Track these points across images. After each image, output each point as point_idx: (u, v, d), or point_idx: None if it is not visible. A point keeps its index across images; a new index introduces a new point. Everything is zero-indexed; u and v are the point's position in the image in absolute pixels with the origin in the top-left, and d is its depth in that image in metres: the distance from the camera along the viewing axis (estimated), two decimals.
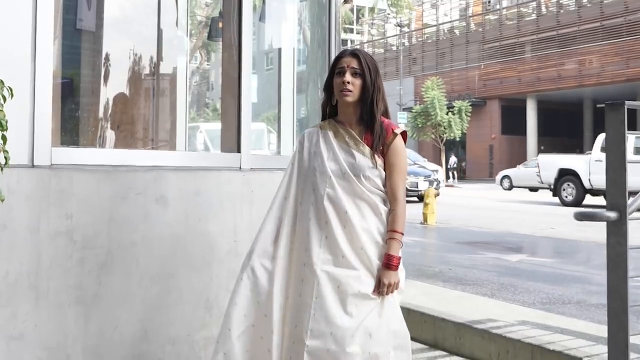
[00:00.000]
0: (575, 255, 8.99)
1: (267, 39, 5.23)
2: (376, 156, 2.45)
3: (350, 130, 2.50)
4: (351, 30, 55.63)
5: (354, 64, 2.49)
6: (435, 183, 18.69)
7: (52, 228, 3.01)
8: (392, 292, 2.34)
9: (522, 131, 37.81)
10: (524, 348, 3.46)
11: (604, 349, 3.18)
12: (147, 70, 3.97)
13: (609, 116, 2.51)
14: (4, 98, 2.42)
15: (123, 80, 3.82)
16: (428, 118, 36.02)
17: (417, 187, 18.28)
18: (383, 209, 2.44)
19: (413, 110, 37.00)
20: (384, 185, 2.47)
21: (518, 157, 37.58)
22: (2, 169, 2.46)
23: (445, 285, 6.05)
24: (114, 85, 3.74)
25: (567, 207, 16.26)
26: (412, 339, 3.73)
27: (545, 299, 5.52)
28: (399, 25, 42.96)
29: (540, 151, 37.76)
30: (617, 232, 2.49)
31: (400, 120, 36.93)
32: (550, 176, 18.05)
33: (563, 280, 6.63)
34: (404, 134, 2.52)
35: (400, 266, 2.40)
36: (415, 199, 17.68)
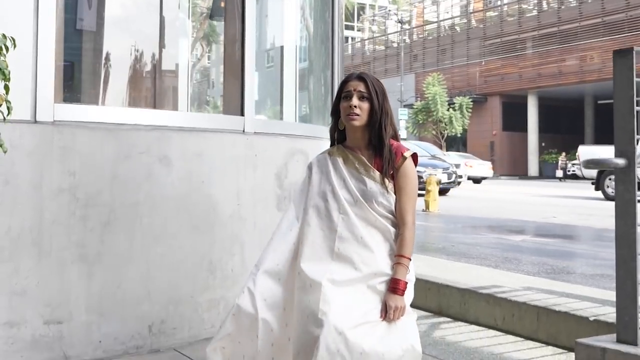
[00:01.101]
0: (579, 237, 8.96)
1: (269, 36, 5.19)
2: (386, 180, 2.41)
3: (359, 157, 2.45)
4: (352, 28, 55.61)
5: (361, 87, 2.46)
6: (454, 176, 18.13)
7: (55, 184, 2.99)
8: (399, 316, 2.26)
9: (523, 127, 37.75)
10: (529, 310, 3.43)
11: (610, 309, 3.15)
12: (149, 36, 3.95)
13: (617, 62, 2.49)
14: (7, 48, 2.40)
15: (127, 44, 3.80)
16: (429, 114, 36.00)
17: None
18: (395, 234, 2.40)
19: (414, 107, 36.96)
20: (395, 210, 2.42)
21: (519, 153, 37.55)
22: (4, 119, 2.44)
23: (449, 258, 6.01)
24: (118, 44, 3.72)
25: (611, 201, 15.85)
26: (417, 307, 3.73)
27: (549, 270, 5.49)
28: (400, 22, 42.92)
29: (541, 148, 37.80)
30: (625, 179, 2.47)
31: (401, 117, 36.91)
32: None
33: (567, 256, 6.60)
34: (414, 157, 2.48)
35: (408, 289, 2.35)
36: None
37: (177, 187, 3.31)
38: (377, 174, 2.42)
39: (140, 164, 3.21)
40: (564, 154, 32.61)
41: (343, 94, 2.50)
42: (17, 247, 2.91)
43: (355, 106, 2.43)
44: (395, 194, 2.42)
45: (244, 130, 3.62)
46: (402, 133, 36.19)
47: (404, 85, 39.90)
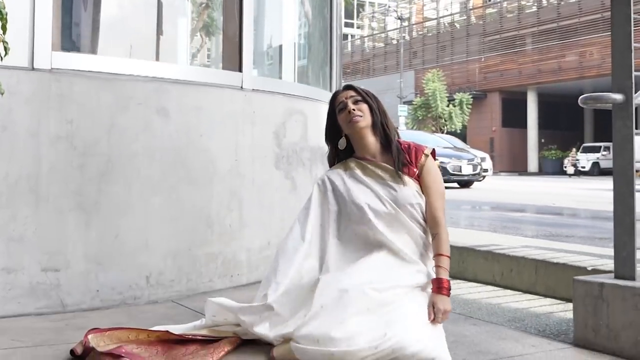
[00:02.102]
0: (578, 215, 8.97)
1: (267, 34, 5.15)
2: (413, 181, 2.37)
3: (380, 164, 2.41)
4: (351, 25, 55.63)
5: (351, 93, 2.46)
6: (479, 168, 17.08)
7: (53, 132, 2.98)
8: (446, 318, 2.21)
9: (522, 124, 37.75)
10: (527, 265, 3.43)
11: (609, 261, 3.15)
12: None
13: None
14: None
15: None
16: (428, 110, 36.01)
17: (461, 171, 16.57)
18: (423, 238, 2.37)
19: (413, 103, 36.96)
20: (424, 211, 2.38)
21: (518, 150, 37.55)
22: (2, 58, 2.43)
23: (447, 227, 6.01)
24: None
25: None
26: None
27: (548, 234, 5.49)
28: (399, 19, 42.95)
29: (540, 144, 37.78)
30: (623, 115, 2.46)
31: (401, 113, 36.91)
32: None
33: (567, 226, 6.61)
34: (433, 153, 2.45)
35: (422, 270, 2.32)
36: (456, 185, 15.66)
37: (175, 140, 3.30)
38: (408, 180, 2.37)
39: (138, 114, 3.20)
40: (574, 149, 32.22)
41: (337, 109, 2.46)
42: (15, 194, 2.90)
43: (353, 109, 2.40)
44: (423, 195, 2.37)
45: (242, 87, 3.61)
46: (402, 129, 36.20)
47: (404, 82, 39.90)
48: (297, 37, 4.67)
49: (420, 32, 45.29)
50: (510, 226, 6.40)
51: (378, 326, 2.04)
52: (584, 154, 32.23)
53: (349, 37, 52.86)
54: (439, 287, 2.24)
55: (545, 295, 3.32)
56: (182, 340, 2.34)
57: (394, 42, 46.20)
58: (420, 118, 36.66)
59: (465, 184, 16.65)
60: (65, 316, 2.90)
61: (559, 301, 3.22)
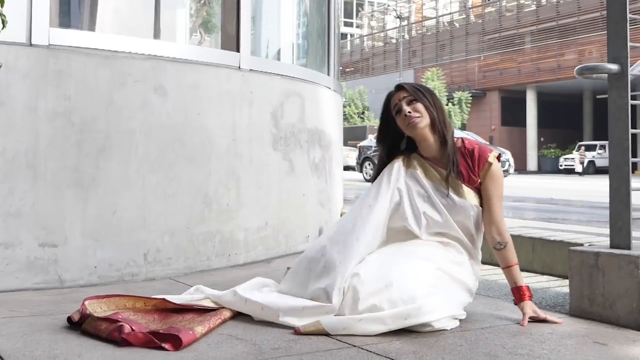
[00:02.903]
0: (577, 205, 8.98)
1: (265, 15, 5.16)
2: (472, 191, 2.35)
3: (442, 171, 2.37)
4: (351, 24, 55.64)
5: (403, 94, 2.39)
6: (507, 164, 17.13)
7: (50, 108, 2.99)
8: (545, 317, 2.29)
9: (522, 122, 37.75)
10: (524, 243, 3.44)
11: (606, 239, 3.15)
12: None
13: None
14: None
15: None
16: None
17: None
18: (471, 243, 2.40)
19: None
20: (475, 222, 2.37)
21: (518, 148, 37.56)
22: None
23: None
24: None
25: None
26: None
27: (545, 218, 5.51)
28: (398, 18, 42.98)
29: (539, 143, 37.78)
30: (618, 85, 2.47)
31: None
32: None
33: (565, 212, 6.60)
34: (497, 157, 2.41)
35: (470, 275, 2.37)
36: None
37: (173, 117, 3.31)
38: (468, 191, 2.35)
39: (136, 92, 3.21)
40: (582, 147, 31.81)
41: (394, 112, 2.41)
42: (13, 169, 2.91)
43: (409, 111, 2.34)
44: (480, 204, 2.35)
45: (239, 67, 3.62)
46: None
47: (403, 81, 39.84)
48: (296, 19, 4.67)
49: (419, 31, 45.31)
50: (509, 212, 6.42)
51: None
52: (578, 153, 32.08)
53: (348, 36, 52.88)
54: (521, 294, 2.32)
55: (542, 273, 3.33)
56: (180, 310, 2.34)
57: (393, 41, 46.22)
58: None
59: None
60: (62, 291, 2.91)
61: (555, 278, 3.23)
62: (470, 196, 2.35)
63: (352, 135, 33.98)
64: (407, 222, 2.37)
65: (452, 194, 2.35)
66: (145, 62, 3.24)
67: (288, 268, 2.48)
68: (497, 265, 3.57)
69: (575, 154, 30.86)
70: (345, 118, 40.92)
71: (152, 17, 3.45)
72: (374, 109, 43.41)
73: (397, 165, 2.45)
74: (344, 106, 40.93)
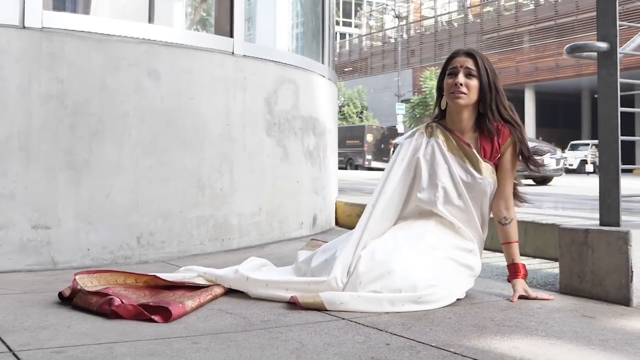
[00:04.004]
0: (572, 196, 8.98)
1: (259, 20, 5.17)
2: (491, 167, 2.34)
3: (465, 148, 2.34)
4: (349, 24, 55.66)
5: (469, 64, 2.30)
6: (561, 162, 14.97)
7: (43, 90, 3.00)
8: (536, 296, 2.31)
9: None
10: (517, 227, 3.43)
11: (597, 222, 3.16)
12: None
13: None
14: None
15: None
16: (426, 108, 36.04)
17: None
18: (484, 216, 2.41)
19: (411, 101, 37.03)
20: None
21: None
22: None
23: None
24: None
25: None
26: None
27: (539, 206, 5.50)
28: (397, 17, 43.02)
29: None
30: (607, 63, 2.48)
31: (399, 111, 36.98)
32: None
33: (560, 202, 6.57)
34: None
35: (477, 261, 2.39)
36: (530, 181, 13.35)
37: (166, 102, 3.32)
38: (486, 167, 2.32)
39: (129, 76, 3.22)
40: (594, 147, 31.41)
41: (448, 70, 2.34)
42: (6, 151, 2.92)
43: (461, 84, 2.28)
44: (497, 180, 2.34)
45: (233, 52, 3.63)
46: (399, 127, 36.28)
47: (402, 80, 39.96)
48: (290, 7, 4.68)
49: (418, 31, 45.37)
50: None
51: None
52: (571, 152, 31.82)
53: (347, 35, 52.90)
54: (516, 271, 2.34)
55: (534, 256, 3.34)
56: (171, 286, 2.35)
57: (392, 40, 46.27)
58: (418, 116, 36.71)
59: (543, 180, 14.16)
60: (55, 273, 2.92)
61: (547, 260, 3.24)
62: (487, 172, 2.34)
63: (350, 135, 33.98)
64: (423, 192, 2.35)
65: (473, 171, 2.33)
66: (138, 46, 3.25)
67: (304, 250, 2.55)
68: (490, 250, 3.60)
69: (588, 153, 29.98)
70: (344, 118, 40.94)
71: (146, 1, 3.44)
72: (373, 108, 43.45)
73: (418, 135, 2.43)
74: (343, 106, 41.22)
